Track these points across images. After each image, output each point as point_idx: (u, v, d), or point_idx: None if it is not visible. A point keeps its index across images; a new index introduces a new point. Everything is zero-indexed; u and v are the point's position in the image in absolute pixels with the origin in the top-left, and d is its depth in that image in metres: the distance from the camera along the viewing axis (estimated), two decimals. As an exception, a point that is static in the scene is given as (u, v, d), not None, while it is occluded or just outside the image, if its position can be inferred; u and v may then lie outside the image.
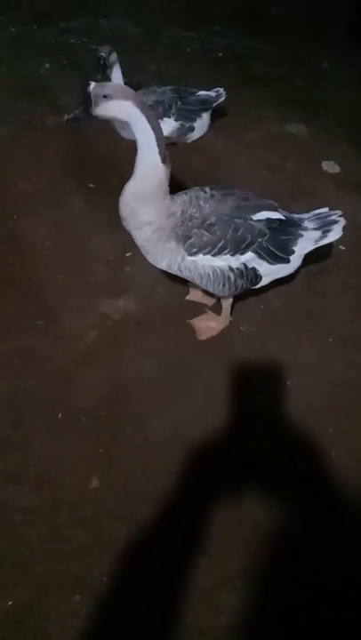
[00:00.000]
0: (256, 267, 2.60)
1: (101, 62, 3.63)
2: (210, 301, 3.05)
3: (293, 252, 2.65)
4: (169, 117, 3.91)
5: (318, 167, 3.99)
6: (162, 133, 2.29)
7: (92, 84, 2.21)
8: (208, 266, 2.52)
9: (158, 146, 2.26)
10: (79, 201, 3.60)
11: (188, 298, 3.08)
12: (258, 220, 2.55)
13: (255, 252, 2.54)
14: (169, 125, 3.91)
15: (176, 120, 3.93)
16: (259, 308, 3.04)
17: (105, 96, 2.20)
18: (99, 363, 2.75)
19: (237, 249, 2.50)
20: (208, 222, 2.46)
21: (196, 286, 3.09)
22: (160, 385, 2.67)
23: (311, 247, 2.73)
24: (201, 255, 2.48)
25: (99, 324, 2.92)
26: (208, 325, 2.94)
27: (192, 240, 2.45)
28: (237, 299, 2.98)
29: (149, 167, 2.30)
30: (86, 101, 2.23)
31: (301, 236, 2.67)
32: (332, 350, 2.86)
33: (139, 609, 2.03)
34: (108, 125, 3.61)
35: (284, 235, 2.61)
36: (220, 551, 2.17)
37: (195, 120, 3.98)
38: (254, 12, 6.19)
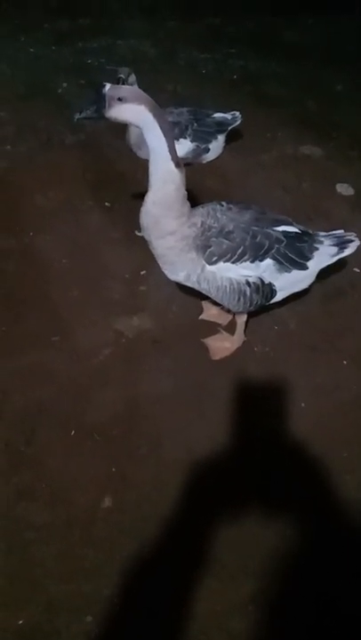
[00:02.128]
0: (273, 282, 2.61)
1: (120, 84, 3.69)
2: (224, 321, 3.05)
3: (311, 259, 2.65)
4: (185, 138, 3.95)
5: (333, 189, 4.01)
6: (173, 139, 2.27)
7: (108, 86, 2.18)
8: (226, 278, 2.53)
9: (170, 152, 2.25)
10: (95, 219, 3.65)
11: (202, 317, 3.09)
12: (275, 230, 2.58)
13: (274, 258, 2.55)
14: (185, 146, 3.95)
15: (192, 141, 3.97)
16: (273, 328, 3.04)
17: (120, 99, 2.17)
18: (113, 380, 2.76)
19: (256, 255, 2.51)
20: (226, 230, 2.48)
21: (209, 305, 3.11)
22: (174, 404, 2.67)
23: (327, 262, 2.74)
24: (221, 263, 2.49)
25: (113, 342, 2.93)
26: (222, 345, 2.94)
27: (212, 249, 2.46)
28: (252, 319, 2.99)
29: (164, 173, 2.29)
30: (100, 102, 2.19)
31: (317, 249, 2.68)
32: (348, 372, 2.85)
33: (149, 632, 2.01)
34: (124, 145, 3.65)
35: (301, 242, 2.64)
36: (232, 574, 2.15)
37: (210, 142, 4.02)
38: (268, 36, 6.30)
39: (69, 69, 5.31)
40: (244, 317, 2.87)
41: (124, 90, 2.22)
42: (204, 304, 3.12)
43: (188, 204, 2.46)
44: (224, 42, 6.03)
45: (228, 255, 2.48)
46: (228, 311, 2.96)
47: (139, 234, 3.43)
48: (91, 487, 2.37)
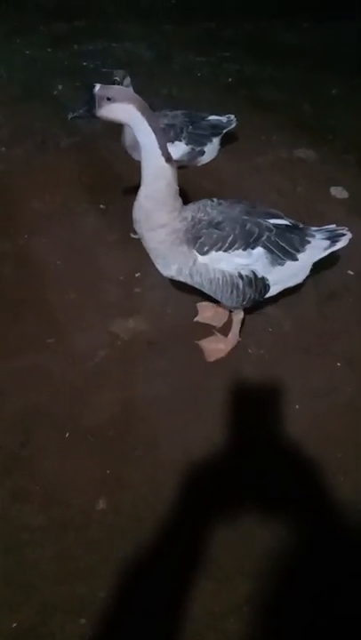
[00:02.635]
0: (266, 275, 2.62)
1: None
2: (219, 323, 3.06)
3: (303, 251, 2.67)
4: (180, 141, 3.96)
5: (327, 192, 4.03)
6: (163, 135, 2.35)
7: (98, 86, 2.25)
8: (219, 270, 2.55)
9: (160, 147, 2.31)
10: (91, 221, 3.65)
11: (196, 319, 3.09)
12: (265, 220, 2.60)
13: (265, 246, 2.56)
14: (180, 149, 3.96)
15: (187, 144, 3.97)
16: (268, 331, 3.05)
17: (109, 98, 2.25)
18: (108, 382, 2.76)
19: (247, 243, 2.52)
20: (216, 221, 2.52)
21: (204, 308, 3.12)
22: (170, 406, 2.68)
23: (319, 255, 2.76)
24: (213, 252, 2.50)
25: (109, 344, 2.94)
26: (216, 347, 2.95)
27: (202, 239, 2.49)
28: (247, 322, 3.00)
29: (155, 169, 2.35)
30: (90, 102, 2.26)
31: (309, 242, 2.70)
32: (342, 375, 2.86)
33: (145, 634, 2.01)
34: (120, 147, 3.66)
35: (292, 233, 2.66)
36: (228, 575, 2.15)
37: (205, 144, 4.03)
38: (264, 39, 6.32)
39: (65, 72, 5.32)
40: (241, 316, 2.88)
41: (114, 90, 2.29)
42: (199, 306, 3.13)
43: (179, 199, 2.50)
44: (219, 45, 6.05)
45: (219, 244, 2.50)
46: (223, 306, 2.99)
47: (134, 236, 3.45)
48: (86, 489, 2.37)
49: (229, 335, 2.94)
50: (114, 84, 3.68)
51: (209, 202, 2.61)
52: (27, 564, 2.15)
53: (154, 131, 2.28)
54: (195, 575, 2.15)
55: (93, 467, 2.44)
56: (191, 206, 2.59)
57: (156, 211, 2.44)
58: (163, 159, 2.34)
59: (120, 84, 3.70)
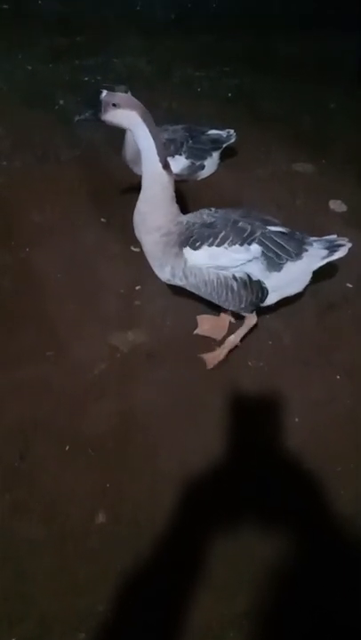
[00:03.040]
0: (263, 280, 2.65)
1: (116, 101, 3.74)
2: (218, 336, 3.07)
3: (299, 257, 2.70)
4: (180, 155, 4.00)
5: (326, 205, 4.06)
6: (162, 142, 2.52)
7: (105, 92, 2.43)
8: (213, 272, 2.60)
9: (159, 153, 2.48)
10: (91, 234, 3.68)
11: (196, 332, 3.10)
12: (260, 222, 2.68)
13: (261, 243, 2.60)
14: (180, 163, 4.00)
15: (187, 158, 4.01)
16: (267, 343, 3.06)
17: (114, 104, 2.42)
18: (108, 394, 2.77)
19: (242, 238, 2.57)
20: (208, 222, 2.62)
21: (204, 320, 3.13)
22: (169, 418, 2.68)
23: (318, 264, 2.79)
24: (206, 247, 2.56)
25: (108, 356, 2.94)
26: (213, 353, 2.97)
27: (194, 237, 2.58)
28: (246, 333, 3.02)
29: (152, 174, 2.52)
30: (97, 106, 2.43)
31: (306, 250, 2.74)
32: (341, 387, 2.87)
33: (144, 648, 2.01)
34: (120, 161, 3.70)
35: (289, 239, 2.70)
36: (227, 589, 2.15)
37: (205, 159, 4.07)
38: (263, 53, 6.37)
39: (66, 86, 5.37)
40: (253, 321, 2.90)
41: (119, 97, 2.45)
42: (199, 319, 3.15)
43: (176, 205, 2.64)
44: (219, 60, 6.11)
45: (211, 239, 2.56)
46: (227, 311, 3.06)
47: (134, 249, 3.47)
48: (85, 501, 2.37)
49: (230, 337, 2.96)
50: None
51: (206, 210, 2.73)
52: (26, 576, 2.15)
53: (153, 137, 2.45)
54: (194, 588, 2.15)
55: (92, 478, 2.44)
56: (189, 214, 2.72)
57: (152, 214, 2.60)
58: (160, 165, 2.50)
59: (120, 98, 3.75)
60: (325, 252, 2.79)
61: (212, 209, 2.74)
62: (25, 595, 2.10)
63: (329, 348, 3.05)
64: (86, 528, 2.29)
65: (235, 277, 2.61)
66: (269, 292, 2.71)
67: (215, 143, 4.08)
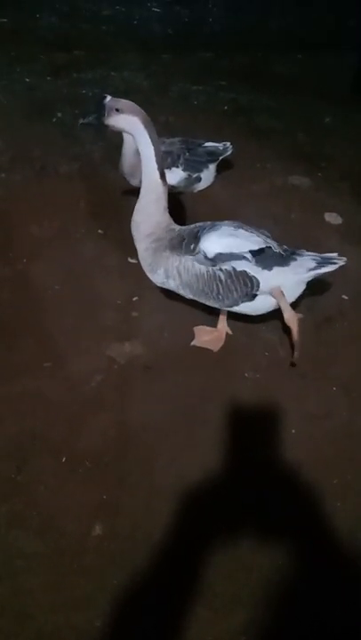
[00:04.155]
0: (248, 270, 2.70)
1: (114, 114, 3.77)
2: (215, 347, 3.08)
3: (287, 259, 2.79)
4: (177, 167, 4.02)
5: (321, 219, 4.09)
6: (160, 149, 2.62)
7: (108, 97, 2.52)
8: (203, 267, 2.71)
9: (157, 160, 2.59)
10: (89, 246, 3.69)
11: (193, 343, 3.11)
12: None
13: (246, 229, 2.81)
14: (177, 175, 4.02)
15: (184, 170, 4.03)
16: (264, 355, 3.07)
17: (117, 109, 2.52)
18: (105, 407, 2.77)
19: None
20: (197, 229, 2.77)
21: (201, 332, 3.14)
22: (166, 430, 2.68)
23: (306, 274, 2.82)
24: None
25: (106, 368, 2.95)
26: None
27: (186, 240, 2.72)
28: (243, 346, 3.04)
29: (150, 182, 2.63)
30: (100, 111, 2.52)
31: (295, 260, 2.81)
32: (338, 400, 2.87)
33: (141, 663, 1.99)
34: (118, 174, 3.73)
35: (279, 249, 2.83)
36: (225, 604, 2.13)
37: (202, 171, 4.09)
38: (259, 70, 6.45)
39: (64, 99, 5.41)
40: (295, 319, 2.88)
41: (122, 102, 2.54)
42: (196, 330, 3.16)
43: (168, 216, 2.80)
44: (216, 75, 6.18)
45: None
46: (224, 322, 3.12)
47: (132, 261, 3.49)
48: (82, 515, 2.36)
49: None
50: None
51: (200, 223, 2.84)
52: (22, 591, 2.13)
53: (153, 143, 2.55)
54: (192, 602, 2.13)
55: (89, 492, 2.43)
56: (183, 226, 2.84)
57: (144, 222, 2.73)
58: (158, 173, 2.61)
59: (118, 112, 3.79)
60: (314, 263, 2.82)
61: (209, 223, 2.81)
62: (20, 610, 2.08)
63: (325, 361, 3.06)
64: (83, 542, 2.27)
65: (221, 269, 2.70)
66: (260, 282, 2.73)
67: (212, 155, 4.11)
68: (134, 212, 2.74)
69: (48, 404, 2.75)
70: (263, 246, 2.75)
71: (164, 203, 2.71)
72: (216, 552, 2.27)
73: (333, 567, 2.27)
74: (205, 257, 2.70)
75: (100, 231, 3.81)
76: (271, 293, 2.80)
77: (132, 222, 2.78)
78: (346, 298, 3.44)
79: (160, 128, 4.82)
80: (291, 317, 2.87)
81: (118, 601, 2.11)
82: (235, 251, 2.71)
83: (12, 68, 5.98)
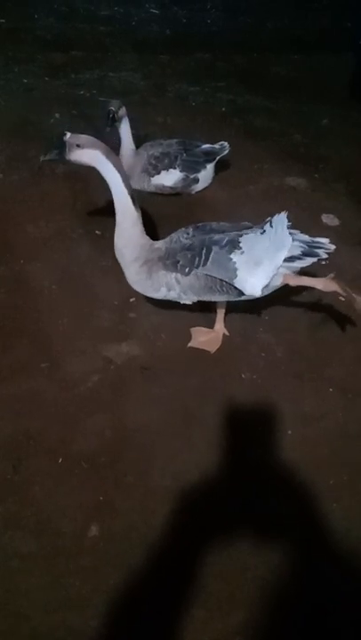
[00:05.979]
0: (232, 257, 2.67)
1: (110, 116, 3.78)
2: (212, 348, 3.08)
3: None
4: (174, 168, 4.05)
5: (318, 220, 4.10)
6: (127, 176, 2.67)
7: (68, 134, 2.59)
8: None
9: (126, 186, 2.64)
10: (86, 247, 3.69)
11: (190, 344, 3.11)
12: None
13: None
14: (174, 176, 4.05)
15: (181, 171, 4.05)
16: (260, 356, 3.07)
17: (78, 145, 2.59)
18: (101, 408, 2.77)
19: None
20: (187, 245, 2.73)
21: (198, 333, 3.14)
22: (162, 431, 2.68)
23: (284, 249, 2.70)
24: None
25: (102, 369, 2.95)
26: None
27: (181, 262, 2.71)
28: (239, 347, 3.04)
29: (124, 209, 2.69)
30: (62, 147, 2.59)
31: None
32: (334, 400, 2.88)
33: (136, 664, 1.99)
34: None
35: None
36: (220, 604, 2.14)
37: (199, 171, 4.11)
38: (256, 71, 6.47)
39: (62, 100, 5.41)
40: (332, 283, 2.76)
41: (82, 138, 2.60)
42: (193, 331, 3.16)
43: (146, 237, 2.82)
44: (213, 76, 6.19)
45: (196, 261, 2.69)
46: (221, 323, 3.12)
47: (128, 262, 3.48)
48: (77, 516, 2.36)
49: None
50: (109, 114, 3.80)
51: (184, 234, 2.82)
52: (17, 592, 2.13)
53: (118, 171, 2.61)
54: (187, 603, 2.14)
55: (85, 493, 2.43)
56: (165, 239, 2.85)
57: (126, 247, 2.77)
58: (129, 199, 2.66)
59: (115, 113, 3.80)
60: (299, 251, 2.72)
61: (190, 229, 2.83)
62: (16, 610, 2.08)
63: (321, 362, 3.06)
64: (78, 543, 2.28)
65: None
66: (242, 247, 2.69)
67: (209, 155, 4.13)
68: (115, 238, 2.78)
69: (44, 405, 2.75)
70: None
71: (140, 227, 2.76)
72: (212, 552, 2.27)
73: (328, 567, 2.28)
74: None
75: (97, 232, 3.81)
76: (283, 283, 2.76)
77: (115, 250, 2.81)
78: (342, 299, 3.43)
79: (157, 129, 4.87)
80: (325, 286, 2.77)
81: (114, 601, 2.12)
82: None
83: (9, 68, 5.98)
